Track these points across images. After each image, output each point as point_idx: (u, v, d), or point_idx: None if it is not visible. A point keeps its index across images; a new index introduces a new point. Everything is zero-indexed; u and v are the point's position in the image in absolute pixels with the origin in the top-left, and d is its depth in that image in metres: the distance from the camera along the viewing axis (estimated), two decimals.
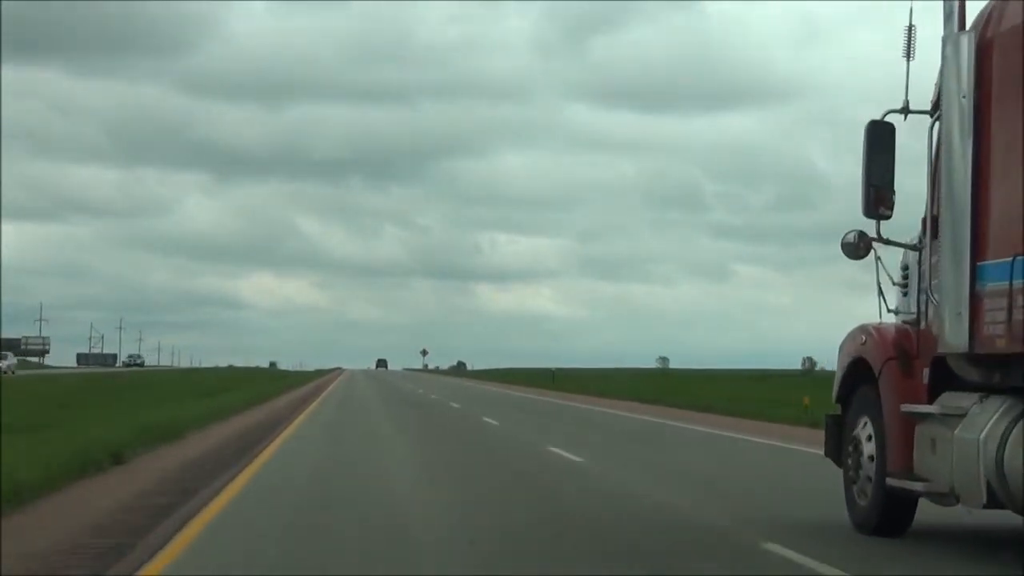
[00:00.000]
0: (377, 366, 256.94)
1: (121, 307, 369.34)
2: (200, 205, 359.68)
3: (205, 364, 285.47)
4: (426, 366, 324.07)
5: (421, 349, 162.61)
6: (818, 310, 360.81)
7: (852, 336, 13.72)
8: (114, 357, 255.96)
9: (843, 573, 10.84)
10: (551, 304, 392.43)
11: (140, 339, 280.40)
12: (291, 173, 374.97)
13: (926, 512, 12.95)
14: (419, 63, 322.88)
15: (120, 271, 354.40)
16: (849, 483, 13.33)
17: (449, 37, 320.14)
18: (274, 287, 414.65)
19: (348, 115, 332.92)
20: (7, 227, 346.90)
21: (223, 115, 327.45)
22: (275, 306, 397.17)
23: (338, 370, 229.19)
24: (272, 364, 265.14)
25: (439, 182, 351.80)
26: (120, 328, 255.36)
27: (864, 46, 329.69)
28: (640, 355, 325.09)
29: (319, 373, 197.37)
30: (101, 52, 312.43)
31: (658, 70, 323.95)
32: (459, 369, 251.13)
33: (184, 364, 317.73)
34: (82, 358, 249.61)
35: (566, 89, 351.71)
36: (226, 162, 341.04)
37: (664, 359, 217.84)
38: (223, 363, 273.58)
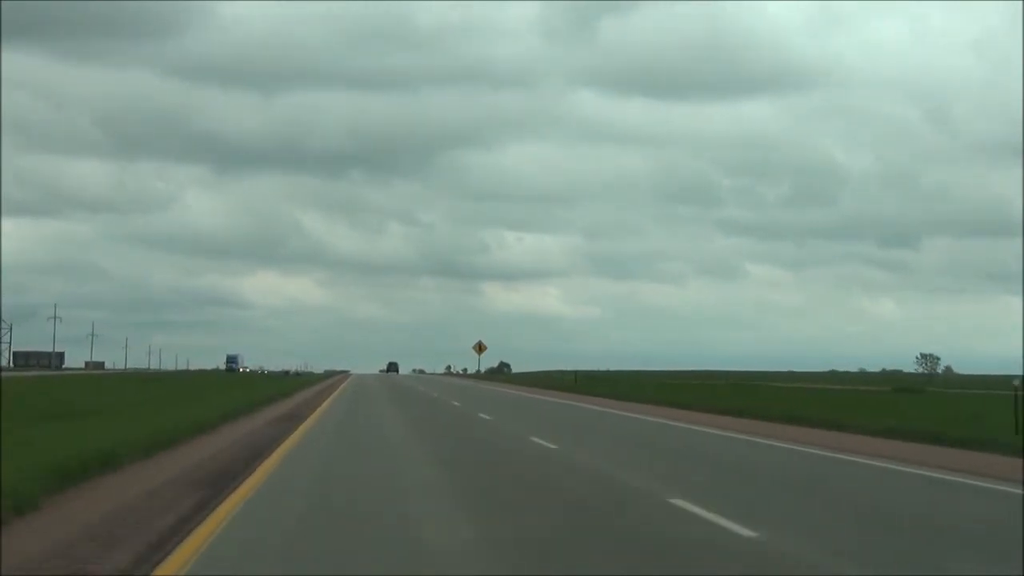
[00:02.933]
0: (388, 370, 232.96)
1: (122, 306, 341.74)
2: (199, 200, 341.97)
3: (197, 366, 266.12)
4: (449, 368, 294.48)
5: (476, 343, 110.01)
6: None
7: None
8: (60, 357, 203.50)
9: None
10: (560, 304, 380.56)
11: (93, 334, 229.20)
12: (291, 165, 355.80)
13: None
14: (420, 48, 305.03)
15: (120, 268, 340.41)
16: None
17: (451, 20, 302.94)
18: (278, 285, 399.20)
19: (347, 103, 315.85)
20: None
21: (219, 104, 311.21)
22: (279, 305, 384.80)
23: (344, 374, 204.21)
24: (230, 363, 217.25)
25: (442, 175, 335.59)
26: (55, 318, 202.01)
27: (884, 35, 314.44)
28: (661, 356, 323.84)
29: (313, 378, 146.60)
30: (88, 36, 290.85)
31: (670, 56, 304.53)
32: (500, 372, 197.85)
33: (168, 366, 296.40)
34: (20, 357, 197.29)
35: (574, 76, 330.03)
36: (224, 154, 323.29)
37: (931, 358, 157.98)
38: (223, 365, 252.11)
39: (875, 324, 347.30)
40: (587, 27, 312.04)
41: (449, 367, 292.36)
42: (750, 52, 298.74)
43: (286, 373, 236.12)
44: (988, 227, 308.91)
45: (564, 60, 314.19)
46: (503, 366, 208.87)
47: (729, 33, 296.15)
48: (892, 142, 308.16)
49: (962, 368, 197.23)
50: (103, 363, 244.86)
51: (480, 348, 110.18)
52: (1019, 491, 18.34)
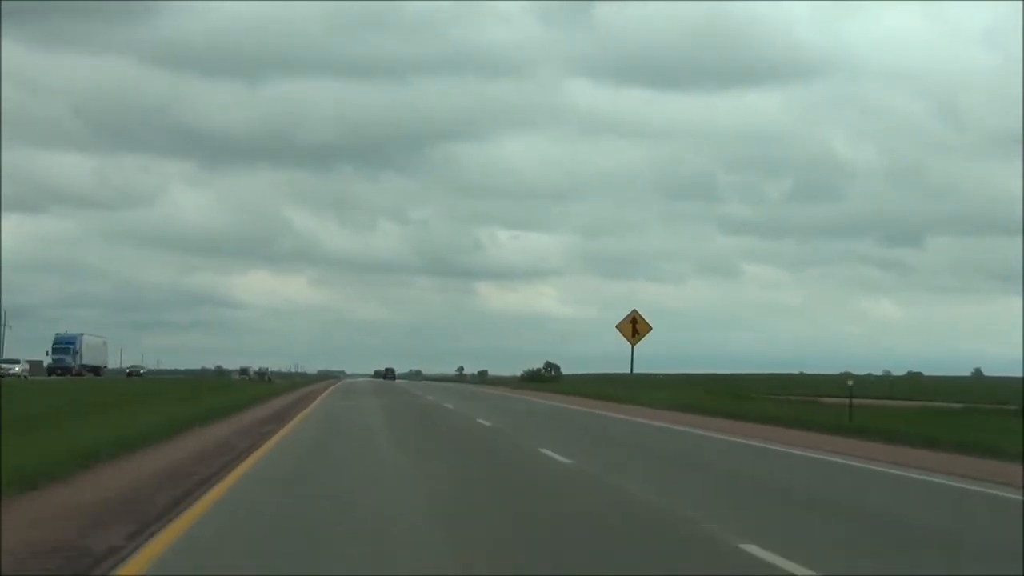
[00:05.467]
0: (385, 376, 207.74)
1: (112, 305, 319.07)
2: (186, 195, 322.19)
3: (171, 366, 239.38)
4: (461, 370, 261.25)
5: (628, 315, 56.29)
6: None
7: None
8: None
9: None
10: (557, 304, 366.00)
11: (5, 324, 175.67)
12: (279, 160, 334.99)
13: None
14: (410, 34, 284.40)
15: (108, 266, 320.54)
16: None
17: (442, 5, 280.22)
18: (271, 285, 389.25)
19: (335, 93, 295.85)
20: None
21: (202, 93, 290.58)
22: (274, 305, 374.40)
23: (335, 379, 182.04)
24: (60, 348, 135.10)
25: (435, 170, 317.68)
26: None
27: (894, 25, 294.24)
28: (659, 357, 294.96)
29: (288, 385, 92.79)
30: (62, 20, 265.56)
31: (671, 44, 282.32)
32: (538, 378, 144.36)
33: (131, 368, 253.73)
34: None
35: (571, 65, 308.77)
36: (210, 147, 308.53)
37: None
38: (211, 366, 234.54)
39: (879, 324, 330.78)
40: (584, 13, 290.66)
41: (461, 368, 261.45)
42: (755, 41, 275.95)
43: (243, 373, 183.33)
44: (998, 224, 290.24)
45: (560, 48, 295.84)
46: (549, 368, 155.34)
47: (733, 21, 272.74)
48: (901, 137, 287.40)
49: (956, 370, 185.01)
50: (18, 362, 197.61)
51: (634, 327, 54.03)
52: None
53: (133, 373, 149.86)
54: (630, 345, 54.89)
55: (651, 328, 55.42)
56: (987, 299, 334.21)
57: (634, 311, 56.32)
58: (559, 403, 61.55)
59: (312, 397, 65.92)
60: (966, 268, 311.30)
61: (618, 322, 56.22)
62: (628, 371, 59.00)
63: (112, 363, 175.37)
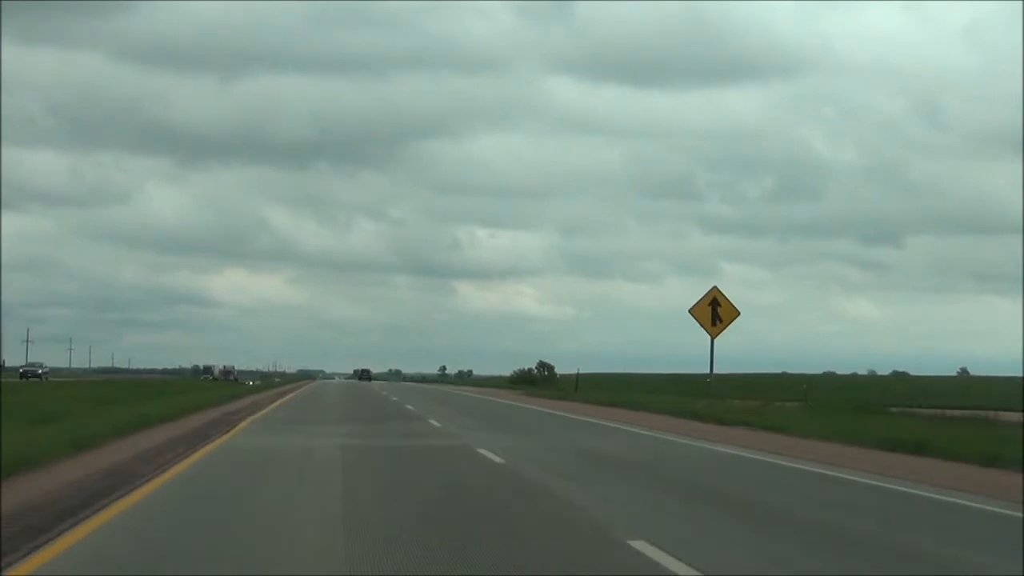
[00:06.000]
0: (361, 377, 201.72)
1: (87, 304, 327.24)
2: (161, 193, 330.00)
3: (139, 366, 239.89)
4: (443, 370, 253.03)
5: (707, 294, 41.54)
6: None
7: None
8: None
9: None
10: (535, 304, 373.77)
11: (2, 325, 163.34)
12: (255, 157, 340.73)
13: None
14: (387, 29, 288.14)
15: (82, 264, 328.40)
16: None
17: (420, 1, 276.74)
18: (248, 283, 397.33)
19: (311, 89, 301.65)
20: None
21: (177, 90, 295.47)
22: (251, 304, 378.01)
23: (311, 379, 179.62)
24: None
25: (411, 167, 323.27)
26: None
27: (876, 21, 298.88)
28: (637, 357, 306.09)
29: (248, 388, 78.26)
30: (34, 15, 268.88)
31: (651, 41, 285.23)
32: (531, 379, 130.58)
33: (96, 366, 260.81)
34: None
35: (549, 61, 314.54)
36: (185, 144, 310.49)
37: None
38: (188, 365, 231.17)
39: (859, 324, 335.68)
40: (563, 9, 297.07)
41: (443, 368, 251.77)
42: (735, 39, 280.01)
43: (206, 372, 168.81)
44: (978, 224, 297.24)
45: (539, 45, 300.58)
46: (543, 367, 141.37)
47: (713, 18, 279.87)
48: (880, 135, 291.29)
49: (938, 370, 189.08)
50: None
51: (714, 313, 40.53)
52: None
53: (28, 374, 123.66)
54: (709, 337, 41.83)
55: (738, 313, 42.38)
56: (967, 299, 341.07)
57: (714, 289, 43.61)
58: (656, 431, 36.73)
59: (254, 409, 51.73)
60: (945, 268, 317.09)
61: (691, 306, 43.39)
62: (622, 371, 46.04)
63: (83, 363, 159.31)
